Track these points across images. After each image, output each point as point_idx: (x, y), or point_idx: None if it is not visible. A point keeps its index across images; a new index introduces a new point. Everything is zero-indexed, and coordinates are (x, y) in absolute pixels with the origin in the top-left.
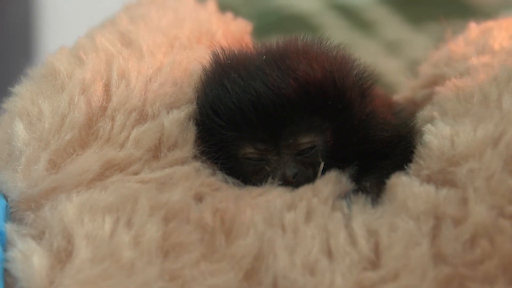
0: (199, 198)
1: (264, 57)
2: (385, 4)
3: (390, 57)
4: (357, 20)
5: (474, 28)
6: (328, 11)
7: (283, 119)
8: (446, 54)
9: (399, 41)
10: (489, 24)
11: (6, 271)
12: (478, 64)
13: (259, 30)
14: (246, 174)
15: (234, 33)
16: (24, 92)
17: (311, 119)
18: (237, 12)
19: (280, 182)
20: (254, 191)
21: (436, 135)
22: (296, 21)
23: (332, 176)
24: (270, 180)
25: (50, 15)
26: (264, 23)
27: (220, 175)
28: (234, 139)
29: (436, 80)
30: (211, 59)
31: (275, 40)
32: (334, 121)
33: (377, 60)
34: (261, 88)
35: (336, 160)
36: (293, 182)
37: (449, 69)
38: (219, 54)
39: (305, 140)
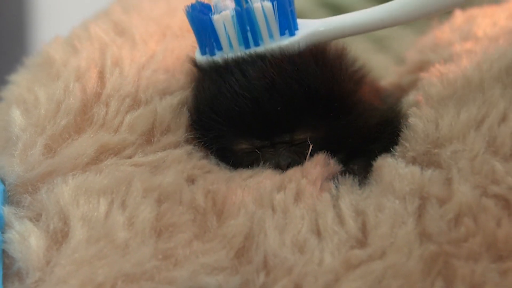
0: (191, 180)
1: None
2: (373, 1)
3: (378, 53)
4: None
5: (459, 15)
6: (317, 8)
7: (280, 118)
8: (431, 40)
9: (387, 37)
10: (474, 11)
11: (4, 252)
12: (461, 50)
13: None
14: (241, 164)
15: None
16: (20, 80)
17: (307, 116)
18: None
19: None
20: (244, 173)
21: (421, 117)
22: None
23: (320, 158)
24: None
25: (44, 6)
26: None
27: (212, 158)
28: (230, 135)
29: (422, 66)
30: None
31: None
32: (329, 116)
33: (366, 56)
34: (259, 87)
35: (327, 146)
36: (286, 170)
37: (434, 55)
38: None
39: (301, 136)
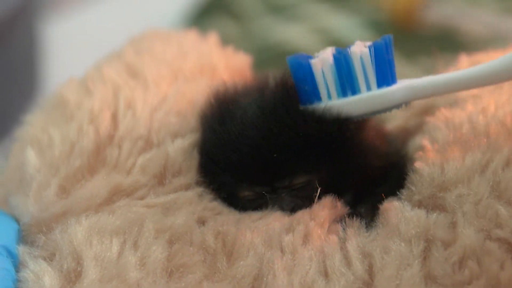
0: (202, 222)
1: (259, 102)
2: None
3: None
4: None
5: (464, 60)
6: (325, 47)
7: (279, 164)
8: None
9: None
10: (479, 56)
11: None
12: (467, 95)
13: (257, 65)
14: (247, 210)
15: (235, 66)
16: (34, 121)
17: (307, 159)
18: (235, 47)
19: None
20: (253, 215)
21: (427, 162)
22: None
23: (328, 201)
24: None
25: (54, 50)
26: (262, 59)
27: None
28: (231, 183)
29: (428, 110)
30: (209, 101)
31: (271, 75)
32: (330, 158)
33: None
34: (257, 136)
35: (332, 188)
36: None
37: (440, 99)
38: (215, 95)
39: (301, 180)
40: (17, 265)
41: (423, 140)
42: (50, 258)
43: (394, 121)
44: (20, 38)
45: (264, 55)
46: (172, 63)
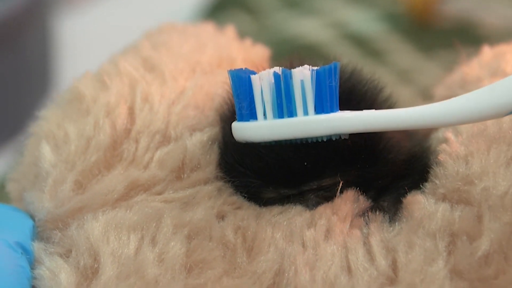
0: (221, 217)
1: None
2: (397, 33)
3: (402, 85)
4: (369, 49)
5: (487, 52)
6: (341, 41)
7: (307, 169)
8: (460, 77)
9: (411, 69)
10: (503, 47)
11: None
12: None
13: (273, 58)
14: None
15: (253, 59)
16: (50, 116)
17: (335, 165)
18: (252, 40)
19: None
20: (274, 209)
21: (451, 155)
22: (310, 50)
23: (350, 195)
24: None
25: (68, 45)
26: (278, 52)
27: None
28: (255, 185)
29: None
30: (228, 99)
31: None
32: (358, 160)
33: (389, 89)
34: (286, 148)
35: (357, 186)
36: None
37: (463, 91)
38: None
39: (328, 183)
40: (33, 262)
41: (446, 133)
42: (66, 254)
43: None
44: (33, 34)
45: (280, 49)
46: (190, 56)
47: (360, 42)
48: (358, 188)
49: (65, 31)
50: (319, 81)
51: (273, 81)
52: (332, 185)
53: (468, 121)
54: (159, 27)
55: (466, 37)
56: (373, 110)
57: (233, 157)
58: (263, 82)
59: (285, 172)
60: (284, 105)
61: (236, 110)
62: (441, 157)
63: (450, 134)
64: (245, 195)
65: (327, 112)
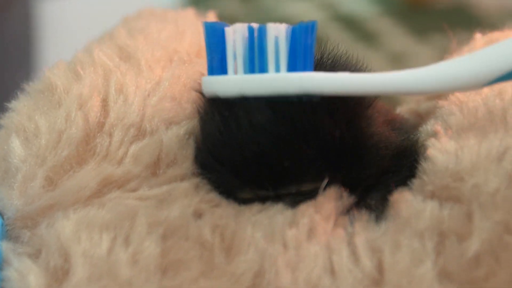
0: (198, 215)
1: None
2: (389, 16)
3: (394, 69)
4: (361, 32)
5: (479, 39)
6: (332, 23)
7: (287, 169)
8: None
9: (404, 53)
10: (495, 35)
11: None
12: None
13: None
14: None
15: None
16: (20, 108)
17: (316, 168)
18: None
19: None
20: (254, 207)
21: (440, 149)
22: None
23: (334, 192)
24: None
25: (50, 27)
26: None
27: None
28: (231, 182)
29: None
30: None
31: None
32: (341, 166)
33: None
34: (264, 138)
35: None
36: None
37: None
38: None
39: (309, 188)
40: (1, 262)
41: (435, 126)
42: (35, 255)
43: (405, 105)
44: (15, 17)
45: None
46: (167, 44)
47: (352, 25)
48: (342, 186)
49: (47, 14)
50: (294, 38)
51: (247, 34)
52: (312, 190)
53: (446, 89)
54: (138, 12)
55: (461, 19)
56: (348, 73)
57: (210, 152)
58: (236, 35)
59: (263, 170)
60: (256, 60)
61: (207, 63)
62: (430, 152)
63: (439, 127)
64: (222, 194)
65: (300, 70)
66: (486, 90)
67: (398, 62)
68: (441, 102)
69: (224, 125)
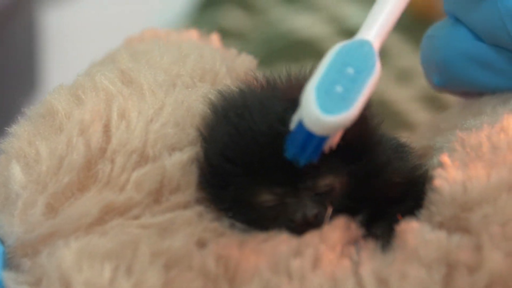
0: (202, 244)
1: (278, 96)
2: (396, 32)
3: (401, 85)
4: None
5: None
6: (337, 37)
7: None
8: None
9: (411, 69)
10: None
11: None
12: (476, 123)
13: (268, 55)
14: (262, 222)
15: (238, 70)
16: (21, 133)
17: (330, 160)
18: (245, 37)
19: (299, 225)
20: (259, 237)
21: (448, 180)
22: (305, 46)
23: (340, 222)
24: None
25: (54, 35)
26: (273, 48)
27: (224, 220)
28: (249, 185)
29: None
30: (218, 100)
31: (283, 72)
32: (353, 163)
33: (388, 88)
34: (278, 130)
35: (350, 205)
36: (314, 223)
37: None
38: (225, 95)
39: (324, 183)
40: None
41: (442, 157)
42: (36, 284)
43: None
44: (19, 26)
45: (274, 45)
46: (170, 69)
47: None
48: (350, 204)
49: (51, 24)
50: None
51: None
52: (328, 188)
53: None
54: (141, 33)
55: None
56: None
57: (221, 155)
58: None
59: (279, 165)
60: None
61: None
62: (437, 182)
63: (446, 158)
64: (235, 206)
65: None
66: (487, 128)
67: (405, 77)
68: (440, 139)
69: (237, 121)
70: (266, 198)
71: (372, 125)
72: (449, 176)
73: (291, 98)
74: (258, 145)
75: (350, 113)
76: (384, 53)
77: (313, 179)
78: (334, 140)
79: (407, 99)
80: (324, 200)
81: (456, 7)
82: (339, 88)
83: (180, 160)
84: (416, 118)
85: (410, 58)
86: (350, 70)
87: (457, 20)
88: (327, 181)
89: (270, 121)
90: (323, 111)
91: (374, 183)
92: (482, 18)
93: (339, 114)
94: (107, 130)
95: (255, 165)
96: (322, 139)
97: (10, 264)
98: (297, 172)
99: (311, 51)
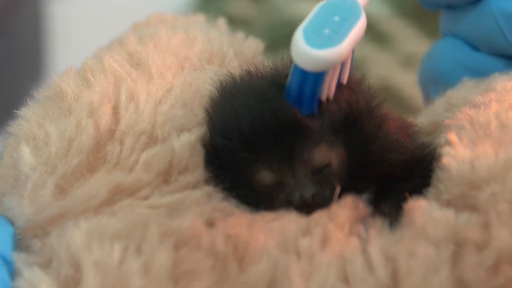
0: (211, 224)
1: (271, 78)
2: (402, 17)
3: (406, 70)
4: (373, 33)
5: None
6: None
7: (296, 135)
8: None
9: (416, 54)
10: None
11: None
12: (486, 99)
13: (273, 42)
14: (261, 203)
15: (245, 53)
16: (30, 115)
17: (323, 133)
18: (250, 25)
19: (297, 206)
20: (267, 216)
21: (456, 158)
22: None
23: (348, 201)
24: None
25: (60, 27)
26: (278, 35)
27: (232, 200)
28: (247, 162)
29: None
30: (218, 84)
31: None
32: (345, 135)
33: (393, 74)
34: (272, 107)
35: (352, 182)
36: (311, 203)
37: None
38: (227, 78)
39: (319, 156)
40: (13, 273)
41: (450, 135)
42: (46, 265)
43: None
44: (25, 17)
45: (279, 32)
46: (178, 51)
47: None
48: (355, 182)
49: (57, 14)
50: None
51: None
52: (325, 168)
53: None
54: (147, 18)
55: None
56: None
57: (220, 133)
58: None
59: (274, 133)
60: None
61: None
62: (445, 160)
63: (454, 136)
64: (237, 182)
65: None
66: (495, 106)
67: (410, 63)
68: (447, 121)
69: (234, 100)
70: (264, 176)
71: (361, 95)
72: (457, 154)
73: (285, 74)
74: (253, 120)
75: (337, 49)
76: (389, 38)
77: (308, 152)
78: (330, 87)
79: (412, 84)
80: (322, 180)
81: (451, 23)
82: (326, 31)
83: (188, 141)
84: (421, 103)
85: (415, 44)
86: (336, 18)
87: (454, 35)
88: (322, 152)
89: (264, 96)
90: (310, 46)
91: (373, 159)
92: (477, 25)
93: (326, 49)
94: (116, 112)
95: (251, 140)
96: (317, 80)
97: (20, 245)
98: (293, 145)
99: None
